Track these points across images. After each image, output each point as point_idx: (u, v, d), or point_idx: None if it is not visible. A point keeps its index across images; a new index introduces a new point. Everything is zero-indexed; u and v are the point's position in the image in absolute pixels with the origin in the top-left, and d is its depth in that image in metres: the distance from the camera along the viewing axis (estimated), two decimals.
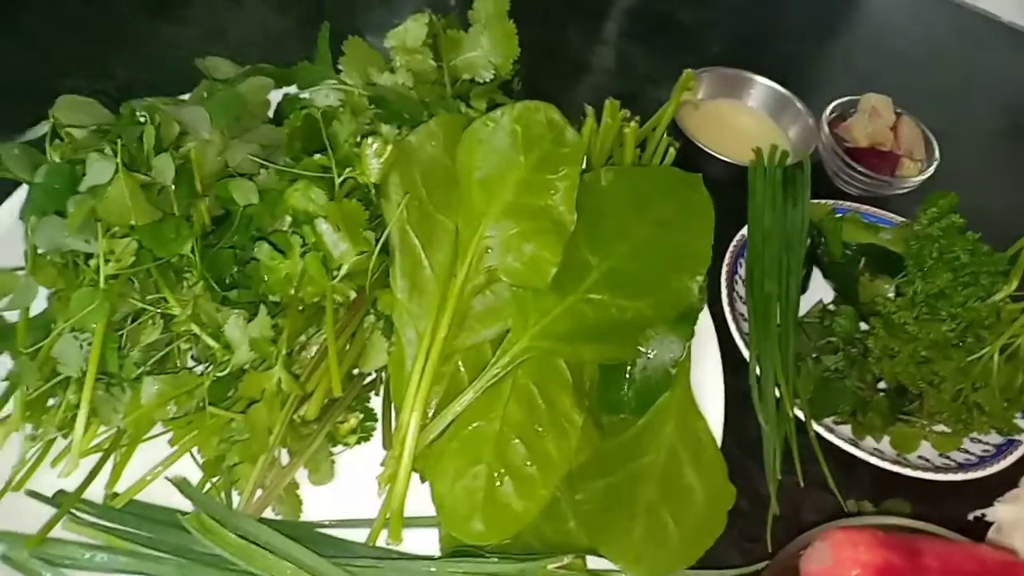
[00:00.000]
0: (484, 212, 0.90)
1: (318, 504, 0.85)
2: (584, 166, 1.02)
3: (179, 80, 1.26)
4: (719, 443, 0.92)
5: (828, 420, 1.00)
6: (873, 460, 0.96)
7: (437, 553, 0.83)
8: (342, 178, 0.92)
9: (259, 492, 0.81)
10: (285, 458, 0.85)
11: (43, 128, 0.93)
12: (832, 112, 1.33)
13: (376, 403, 0.92)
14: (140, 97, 0.99)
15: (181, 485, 0.82)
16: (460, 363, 0.89)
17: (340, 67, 1.11)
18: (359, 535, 0.83)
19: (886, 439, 1.01)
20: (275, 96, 1.09)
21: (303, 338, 0.88)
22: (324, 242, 0.87)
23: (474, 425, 0.83)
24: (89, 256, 0.85)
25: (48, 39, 1.33)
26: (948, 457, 0.99)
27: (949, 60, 1.74)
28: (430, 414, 0.85)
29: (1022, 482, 0.99)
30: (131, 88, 1.27)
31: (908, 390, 1.00)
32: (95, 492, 0.80)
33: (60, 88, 1.23)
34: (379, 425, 0.90)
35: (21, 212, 0.93)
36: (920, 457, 0.99)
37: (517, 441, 0.82)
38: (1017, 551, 0.87)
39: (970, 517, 0.98)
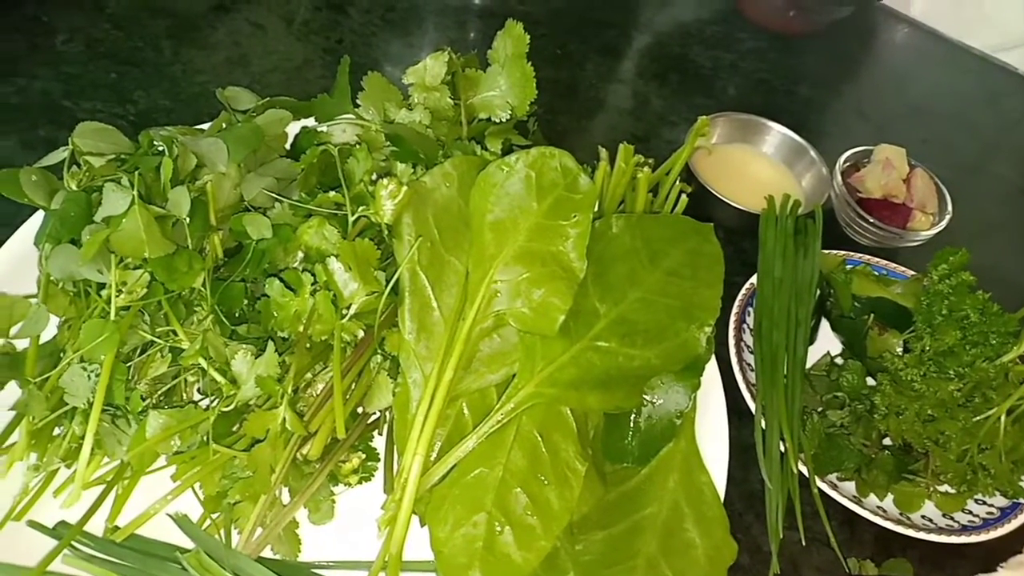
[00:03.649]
0: (495, 256, 0.90)
1: (317, 544, 0.85)
2: (596, 209, 1.03)
3: (199, 107, 1.28)
4: (722, 496, 0.92)
5: (832, 476, 1.00)
6: (876, 519, 0.95)
7: None
8: (355, 216, 0.93)
9: (259, 531, 0.81)
10: (286, 496, 0.85)
11: (62, 154, 0.94)
12: (846, 162, 1.33)
13: (379, 443, 0.92)
14: (159, 124, 1.01)
15: (181, 522, 0.82)
16: (465, 406, 0.89)
17: (358, 101, 1.12)
18: None
19: (889, 497, 1.00)
20: (293, 128, 1.10)
21: (309, 375, 0.89)
22: (335, 281, 0.87)
23: (476, 472, 0.83)
24: (101, 286, 0.85)
25: (72, 61, 1.35)
26: (952, 518, 0.99)
27: (968, 113, 1.74)
28: (433, 458, 0.85)
29: None
30: (151, 113, 1.29)
31: (913, 448, 1.00)
32: (96, 525, 0.80)
33: (80, 111, 1.27)
34: (381, 466, 0.90)
35: (36, 239, 0.93)
36: (923, 517, 0.99)
37: (519, 490, 0.82)
38: None
39: None
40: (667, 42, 1.73)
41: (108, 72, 1.35)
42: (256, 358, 0.84)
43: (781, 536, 0.93)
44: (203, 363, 0.85)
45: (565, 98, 1.52)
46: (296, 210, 0.95)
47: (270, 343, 0.85)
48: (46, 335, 0.88)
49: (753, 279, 1.15)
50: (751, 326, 1.13)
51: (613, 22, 1.75)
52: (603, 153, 1.13)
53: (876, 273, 1.18)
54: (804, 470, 0.96)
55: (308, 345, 0.87)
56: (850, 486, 1.00)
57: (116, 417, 0.83)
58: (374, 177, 0.95)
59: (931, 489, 1.00)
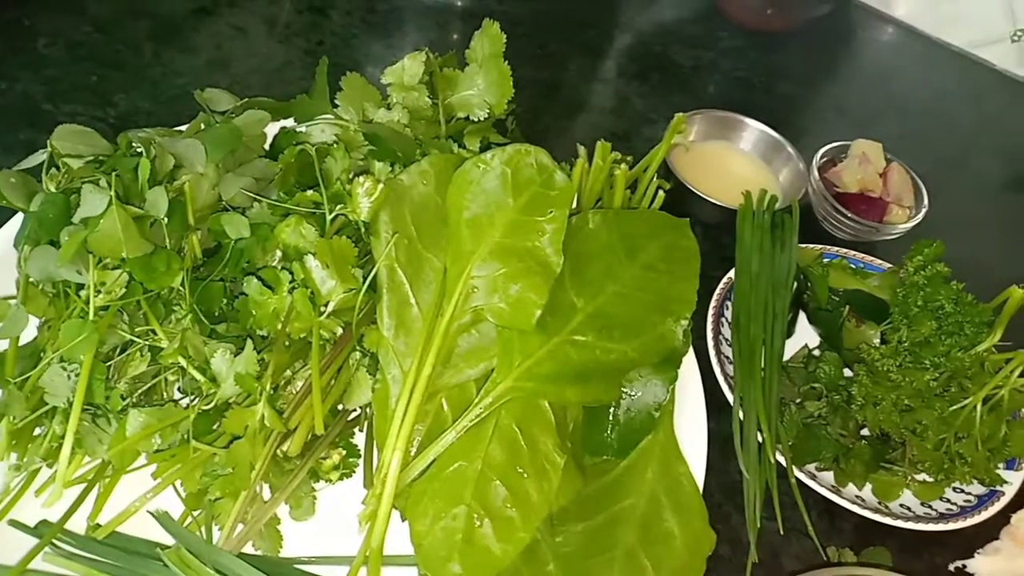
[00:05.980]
0: (472, 252, 0.91)
1: (298, 540, 0.85)
2: (574, 206, 1.04)
3: (179, 109, 1.28)
4: (701, 487, 0.93)
5: (810, 467, 1.01)
6: (854, 508, 0.96)
7: None
8: (333, 215, 0.93)
9: (240, 527, 0.81)
10: (267, 493, 0.85)
11: (41, 156, 0.94)
12: (823, 157, 1.34)
13: (360, 439, 0.93)
14: (139, 126, 1.01)
15: (162, 519, 0.82)
16: (444, 402, 0.89)
17: (337, 102, 1.13)
18: (339, 572, 0.83)
19: (868, 487, 1.01)
20: (272, 129, 1.10)
21: (288, 373, 0.89)
22: (312, 279, 0.88)
23: (455, 465, 0.83)
24: (80, 287, 0.86)
25: (53, 64, 1.35)
26: (929, 506, 1.00)
27: (946, 109, 1.76)
28: (412, 452, 0.85)
29: (1002, 534, 0.99)
30: (131, 116, 1.29)
31: (891, 438, 1.01)
32: (77, 523, 0.81)
33: (60, 114, 1.27)
34: (361, 462, 0.91)
35: (15, 240, 0.93)
36: (902, 506, 1.00)
37: (498, 482, 0.82)
38: None
39: (951, 568, 0.98)
40: (648, 41, 1.75)
41: (89, 75, 1.35)
42: (235, 356, 0.85)
43: (760, 526, 0.94)
44: (183, 362, 0.85)
45: (547, 97, 1.53)
46: (274, 209, 0.95)
47: (249, 341, 0.85)
48: (26, 336, 0.88)
49: (731, 273, 1.16)
50: (729, 319, 1.14)
51: (594, 22, 1.76)
52: (581, 150, 1.14)
53: (853, 266, 1.19)
54: (782, 460, 0.97)
55: (287, 343, 0.88)
56: (828, 476, 1.01)
57: (96, 416, 0.83)
58: (351, 175, 0.96)
59: (909, 478, 1.01)
